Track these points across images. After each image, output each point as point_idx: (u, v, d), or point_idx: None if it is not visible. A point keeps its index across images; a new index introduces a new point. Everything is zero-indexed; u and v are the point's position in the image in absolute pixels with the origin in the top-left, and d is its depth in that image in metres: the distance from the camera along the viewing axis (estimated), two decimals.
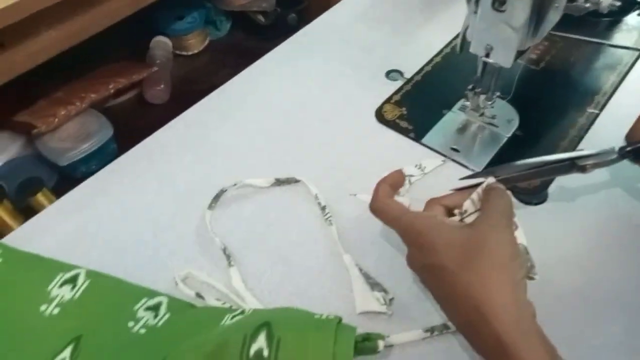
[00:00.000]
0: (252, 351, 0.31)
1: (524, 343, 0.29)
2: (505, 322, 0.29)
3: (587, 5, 0.47)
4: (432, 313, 0.40)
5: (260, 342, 0.31)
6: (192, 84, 0.81)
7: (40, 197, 0.61)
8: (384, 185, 0.38)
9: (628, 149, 0.39)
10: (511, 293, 0.30)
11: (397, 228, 0.36)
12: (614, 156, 0.39)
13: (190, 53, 0.85)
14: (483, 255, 0.31)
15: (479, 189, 0.36)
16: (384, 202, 0.37)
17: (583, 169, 0.38)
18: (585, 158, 0.38)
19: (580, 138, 0.51)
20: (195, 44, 0.85)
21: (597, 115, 0.53)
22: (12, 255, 0.43)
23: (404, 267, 0.42)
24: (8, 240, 0.46)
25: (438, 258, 0.32)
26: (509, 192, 0.36)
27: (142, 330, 0.37)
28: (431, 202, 0.38)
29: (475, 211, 0.36)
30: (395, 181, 0.39)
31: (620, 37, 0.61)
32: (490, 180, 0.37)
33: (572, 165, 0.38)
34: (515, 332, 0.29)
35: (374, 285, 0.41)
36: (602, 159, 0.39)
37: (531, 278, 0.35)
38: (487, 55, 0.45)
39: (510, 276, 0.31)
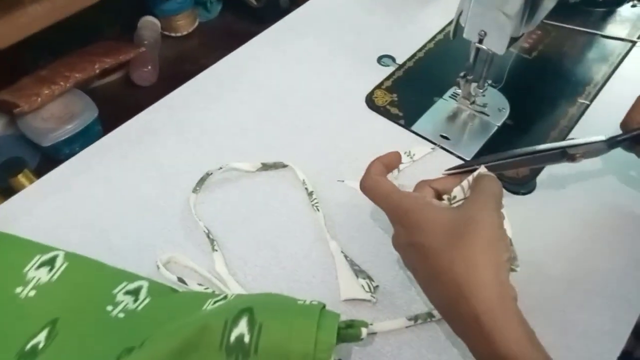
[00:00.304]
0: (232, 337, 0.31)
1: (502, 323, 0.28)
2: (485, 301, 0.29)
3: None
4: (417, 301, 0.40)
5: (242, 327, 0.31)
6: (181, 66, 0.79)
7: (22, 178, 0.59)
8: (377, 163, 0.38)
9: (618, 139, 0.39)
10: (493, 273, 0.30)
11: (384, 206, 0.36)
12: (603, 145, 0.39)
13: (179, 34, 0.83)
14: (468, 234, 0.31)
15: (470, 177, 0.36)
16: (374, 179, 0.36)
17: (572, 158, 0.38)
18: (575, 147, 0.38)
19: (570, 128, 0.51)
20: (185, 25, 0.83)
21: (588, 105, 0.53)
22: None
23: (390, 255, 0.41)
24: None
25: (423, 237, 0.32)
26: None
27: (121, 315, 0.37)
28: (421, 184, 0.37)
29: (464, 198, 0.36)
30: (390, 161, 0.38)
31: (614, 28, 0.61)
32: (482, 169, 0.36)
33: (562, 154, 0.38)
34: (494, 312, 0.29)
35: (359, 272, 0.41)
36: (591, 148, 0.38)
37: (512, 269, 0.35)
38: (481, 42, 0.45)
39: (494, 257, 0.30)
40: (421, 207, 0.33)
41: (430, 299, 0.34)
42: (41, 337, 0.35)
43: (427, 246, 0.31)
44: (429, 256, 0.31)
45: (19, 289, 0.38)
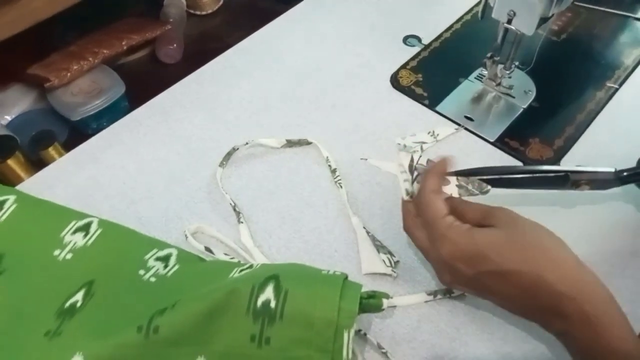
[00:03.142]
0: (259, 302, 0.32)
1: (610, 315, 0.29)
2: (595, 298, 0.30)
3: None
4: (436, 278, 0.40)
5: (268, 293, 0.32)
6: (205, 44, 0.79)
7: (52, 151, 0.61)
8: (432, 177, 0.36)
9: (625, 173, 0.37)
10: (575, 267, 0.31)
11: (430, 231, 0.34)
12: (612, 177, 0.37)
13: (203, 13, 0.84)
14: (530, 244, 0.31)
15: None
16: (428, 198, 0.35)
17: (577, 185, 0.37)
18: (579, 174, 0.37)
19: (597, 112, 0.50)
20: (209, 3, 0.84)
21: (617, 90, 0.52)
22: (27, 201, 0.44)
23: None
24: (20, 189, 0.47)
25: (493, 264, 0.31)
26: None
27: (152, 279, 0.38)
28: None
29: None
30: (444, 169, 0.37)
31: None
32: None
33: (565, 179, 0.37)
34: (601, 304, 0.30)
35: (380, 247, 0.42)
36: (598, 177, 0.37)
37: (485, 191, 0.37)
38: (509, 22, 0.44)
39: (564, 253, 0.31)
40: (469, 235, 0.33)
41: (519, 313, 0.33)
42: (79, 297, 0.37)
43: (504, 270, 0.31)
44: (508, 278, 0.31)
45: (57, 252, 0.40)
